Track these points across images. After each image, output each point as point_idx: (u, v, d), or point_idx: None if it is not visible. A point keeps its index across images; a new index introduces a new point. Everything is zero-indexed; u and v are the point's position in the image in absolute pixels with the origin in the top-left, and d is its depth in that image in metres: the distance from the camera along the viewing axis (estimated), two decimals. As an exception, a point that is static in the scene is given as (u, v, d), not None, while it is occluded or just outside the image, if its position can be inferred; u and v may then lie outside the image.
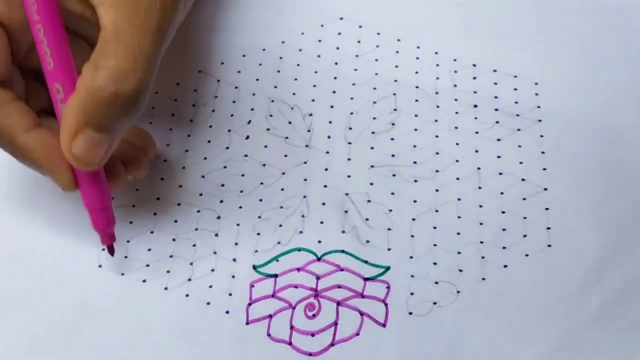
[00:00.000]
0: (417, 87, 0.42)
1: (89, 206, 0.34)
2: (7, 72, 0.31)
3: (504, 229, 0.38)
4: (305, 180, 0.40)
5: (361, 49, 0.44)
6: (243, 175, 0.40)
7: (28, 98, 0.34)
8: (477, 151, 0.40)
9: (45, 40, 0.30)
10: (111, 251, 0.36)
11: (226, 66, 0.43)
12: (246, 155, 0.40)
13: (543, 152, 0.40)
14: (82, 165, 0.31)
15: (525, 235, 0.38)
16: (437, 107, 0.42)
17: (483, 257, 0.37)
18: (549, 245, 0.38)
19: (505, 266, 0.37)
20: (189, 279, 0.37)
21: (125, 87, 0.29)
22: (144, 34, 0.30)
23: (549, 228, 0.38)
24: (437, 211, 0.39)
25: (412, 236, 0.38)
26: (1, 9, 0.30)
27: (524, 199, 0.39)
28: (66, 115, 0.30)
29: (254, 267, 0.37)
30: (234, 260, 0.38)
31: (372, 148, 0.40)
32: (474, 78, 0.43)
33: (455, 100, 0.42)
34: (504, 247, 0.38)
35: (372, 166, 0.40)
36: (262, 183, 0.40)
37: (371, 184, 0.39)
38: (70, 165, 0.32)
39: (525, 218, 0.38)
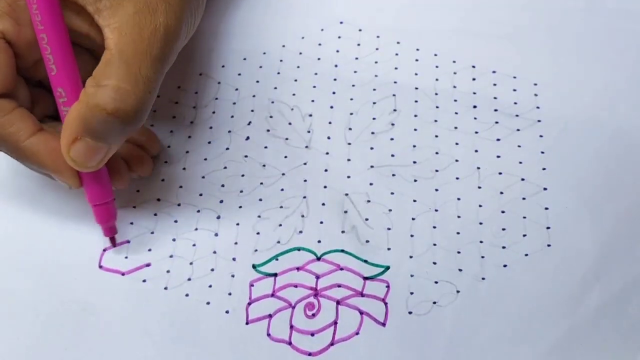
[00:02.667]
0: (416, 88, 0.42)
1: (91, 201, 0.36)
2: (11, 85, 0.33)
3: (503, 229, 0.38)
4: (305, 181, 0.40)
5: (361, 52, 0.44)
6: (243, 175, 0.40)
7: (34, 105, 0.36)
8: (476, 151, 0.40)
9: (49, 48, 0.32)
10: (113, 243, 0.38)
11: (227, 69, 0.43)
12: (246, 156, 0.41)
13: (542, 152, 0.40)
14: (80, 168, 0.33)
15: (524, 235, 0.38)
16: (437, 107, 0.42)
17: (483, 257, 0.37)
18: (549, 245, 0.38)
19: (505, 266, 0.37)
20: (189, 279, 0.37)
21: (123, 106, 0.31)
22: (145, 59, 0.32)
23: (548, 228, 0.38)
24: (436, 211, 0.39)
25: (411, 236, 0.38)
26: (10, 28, 0.32)
27: (524, 198, 0.39)
28: (67, 122, 0.32)
29: (254, 266, 0.37)
30: (234, 259, 0.38)
31: (371, 148, 0.41)
32: (473, 79, 0.43)
33: (455, 101, 0.42)
34: (503, 247, 0.38)
35: (371, 166, 0.40)
36: (262, 183, 0.40)
37: (371, 184, 0.40)
38: None
39: (524, 218, 0.38)
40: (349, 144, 0.41)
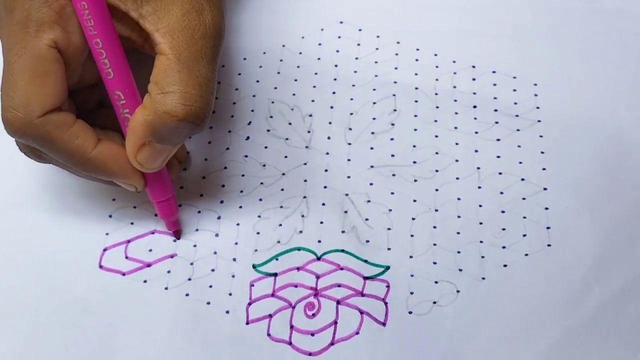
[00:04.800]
0: (416, 88, 0.42)
1: (154, 198, 0.37)
2: (66, 96, 0.33)
3: (503, 229, 0.38)
4: (305, 181, 0.40)
5: (361, 52, 0.44)
6: (243, 175, 0.40)
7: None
8: (476, 151, 0.40)
9: (104, 52, 0.32)
10: (177, 236, 0.39)
11: (227, 69, 0.43)
12: (246, 156, 0.41)
13: (542, 152, 0.40)
14: (147, 170, 0.34)
15: (525, 235, 0.38)
16: (437, 107, 0.42)
17: (483, 257, 0.37)
18: (549, 245, 0.38)
19: (505, 265, 0.37)
20: (189, 279, 0.37)
21: (192, 111, 0.31)
22: (202, 60, 0.32)
23: (548, 228, 0.38)
24: (436, 211, 0.39)
25: (411, 236, 0.38)
26: (60, 36, 0.31)
27: (524, 198, 0.39)
28: (133, 129, 0.32)
29: (254, 266, 0.37)
30: (234, 259, 0.38)
31: (371, 148, 0.41)
32: (473, 79, 0.43)
33: (455, 101, 0.42)
34: (503, 247, 0.38)
35: (371, 166, 0.40)
36: (262, 183, 0.40)
37: (371, 184, 0.40)
38: None
39: (525, 218, 0.38)
40: (349, 144, 0.41)
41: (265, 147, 0.41)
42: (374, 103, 0.42)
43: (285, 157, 0.41)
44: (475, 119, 0.41)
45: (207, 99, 0.32)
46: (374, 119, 0.42)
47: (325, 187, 0.40)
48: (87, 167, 0.33)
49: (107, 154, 0.33)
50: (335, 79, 0.43)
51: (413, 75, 0.43)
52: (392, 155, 0.40)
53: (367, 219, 0.39)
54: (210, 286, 0.37)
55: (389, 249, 0.38)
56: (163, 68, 0.31)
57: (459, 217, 0.38)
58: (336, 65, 0.44)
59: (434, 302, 0.36)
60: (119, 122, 0.34)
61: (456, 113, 0.42)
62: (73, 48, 0.32)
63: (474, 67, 0.43)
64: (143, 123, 0.31)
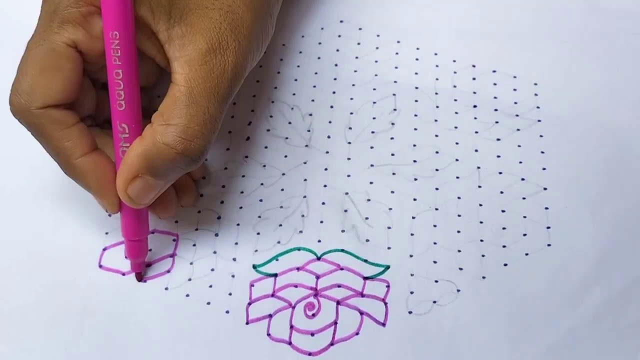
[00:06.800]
0: (416, 87, 0.42)
1: (126, 236, 0.36)
2: (75, 95, 0.33)
3: (504, 228, 0.38)
4: (305, 180, 0.40)
5: (361, 51, 0.44)
6: (243, 176, 0.40)
7: (98, 108, 0.36)
8: (476, 151, 0.40)
9: (122, 84, 0.31)
10: (139, 278, 0.37)
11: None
12: (246, 157, 0.41)
13: (543, 152, 0.40)
14: (133, 205, 0.33)
15: (525, 234, 0.38)
16: (437, 107, 0.42)
17: (483, 256, 0.37)
18: (549, 245, 0.38)
19: (505, 265, 0.37)
20: (189, 279, 0.37)
21: (191, 147, 0.31)
22: (213, 99, 0.32)
23: (548, 227, 0.38)
24: (437, 210, 0.39)
25: (412, 235, 0.38)
26: (83, 39, 0.32)
27: (524, 198, 0.39)
28: (129, 159, 0.32)
29: (254, 267, 0.37)
30: (234, 259, 0.38)
31: (371, 147, 0.41)
32: (474, 79, 0.43)
33: (455, 100, 0.42)
34: (504, 246, 0.38)
35: (371, 165, 0.40)
36: (262, 184, 0.40)
37: (371, 183, 0.40)
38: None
39: (525, 217, 0.38)
40: (349, 143, 0.41)
41: (266, 147, 0.41)
42: (374, 102, 0.42)
43: (285, 156, 0.40)
44: (475, 118, 0.41)
45: (208, 137, 0.32)
46: (374, 118, 0.41)
47: (325, 186, 0.40)
48: (67, 171, 0.34)
49: (91, 166, 0.33)
50: (335, 79, 0.43)
51: (413, 75, 0.43)
52: (392, 155, 0.40)
53: (367, 218, 0.39)
54: (210, 286, 0.37)
55: (389, 248, 0.38)
56: (173, 99, 0.31)
57: (459, 216, 0.38)
58: (336, 65, 0.44)
59: (434, 302, 0.36)
60: (115, 155, 0.33)
61: (456, 112, 0.42)
62: (95, 53, 0.32)
63: (474, 66, 0.43)
64: (140, 154, 0.31)
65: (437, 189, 0.39)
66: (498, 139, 0.41)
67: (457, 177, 0.40)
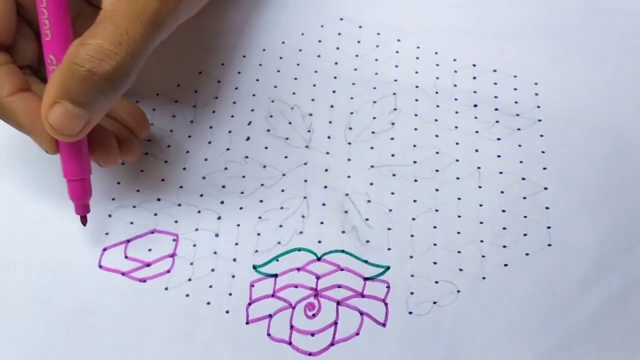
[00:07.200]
0: (417, 86, 0.42)
1: (66, 176, 0.34)
2: (6, 37, 0.32)
3: (504, 228, 0.38)
4: (306, 181, 0.40)
5: (361, 49, 0.44)
6: (244, 177, 0.40)
7: (41, 60, 0.34)
8: (477, 150, 0.40)
9: (46, 12, 0.31)
10: (84, 222, 0.37)
11: (226, 67, 0.43)
12: (247, 157, 0.41)
13: (543, 152, 0.40)
14: (58, 135, 0.31)
15: (525, 234, 0.38)
16: (437, 106, 0.42)
17: (483, 256, 0.37)
18: (549, 245, 0.38)
19: (506, 265, 0.37)
20: (189, 279, 0.37)
21: (102, 67, 0.29)
22: (136, 20, 0.30)
23: (549, 227, 0.38)
24: (437, 210, 0.39)
25: (412, 236, 0.38)
26: None
27: (524, 198, 0.39)
28: (48, 85, 0.30)
29: (254, 267, 0.37)
30: (234, 260, 0.38)
31: (372, 148, 0.40)
32: (474, 78, 0.43)
33: (455, 99, 0.42)
34: (504, 246, 0.38)
35: (372, 166, 0.40)
36: (262, 185, 0.40)
37: (371, 183, 0.39)
38: None
39: (525, 217, 0.38)
40: (349, 143, 0.41)
41: (266, 148, 0.41)
42: (374, 102, 0.42)
43: (286, 157, 0.40)
44: (475, 118, 0.41)
45: (124, 60, 0.30)
46: (374, 118, 0.41)
47: (325, 187, 0.40)
48: None
49: (21, 104, 0.32)
50: (335, 77, 0.43)
51: (413, 74, 0.43)
52: (393, 155, 0.40)
53: (367, 219, 0.38)
54: (210, 286, 0.37)
55: (389, 249, 0.38)
56: (95, 22, 0.30)
57: (459, 216, 0.38)
58: (336, 63, 0.43)
59: (434, 302, 0.36)
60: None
61: (457, 112, 0.41)
62: None
63: (474, 65, 0.43)
64: (54, 76, 0.30)
65: (437, 190, 0.39)
66: (498, 139, 0.41)
67: (457, 178, 0.39)
